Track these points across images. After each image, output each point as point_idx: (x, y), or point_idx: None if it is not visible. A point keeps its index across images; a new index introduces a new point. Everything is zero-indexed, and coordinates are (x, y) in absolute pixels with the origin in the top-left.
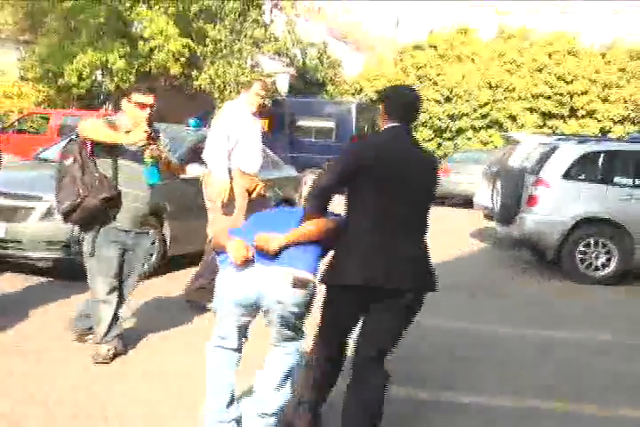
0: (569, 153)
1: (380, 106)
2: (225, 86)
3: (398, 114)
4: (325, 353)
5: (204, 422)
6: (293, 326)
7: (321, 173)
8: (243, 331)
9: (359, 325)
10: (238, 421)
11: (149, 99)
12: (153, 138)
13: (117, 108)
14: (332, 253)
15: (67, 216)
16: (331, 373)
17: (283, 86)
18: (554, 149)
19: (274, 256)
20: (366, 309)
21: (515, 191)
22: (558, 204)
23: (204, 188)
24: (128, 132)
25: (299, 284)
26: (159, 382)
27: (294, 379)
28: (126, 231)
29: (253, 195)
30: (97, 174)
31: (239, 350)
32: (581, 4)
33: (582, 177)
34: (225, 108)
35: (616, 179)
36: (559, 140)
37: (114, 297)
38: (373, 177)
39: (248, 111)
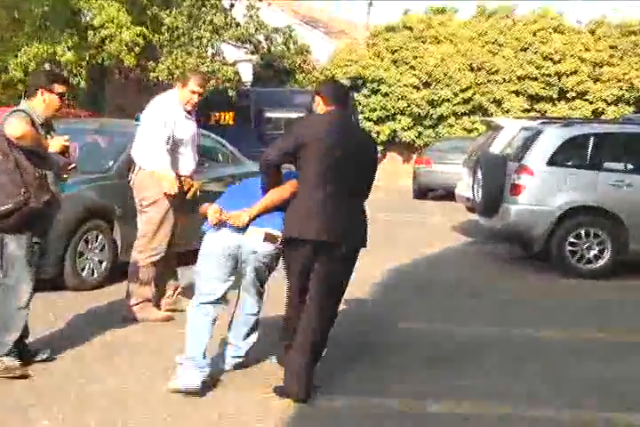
0: (553, 137)
1: (318, 95)
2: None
3: (334, 100)
4: (294, 294)
5: (178, 369)
6: (261, 280)
7: (267, 150)
8: (225, 288)
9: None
10: (210, 367)
11: (65, 88)
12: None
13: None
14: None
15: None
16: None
17: (247, 75)
18: (537, 134)
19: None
20: (315, 258)
21: (496, 180)
22: (544, 192)
23: (135, 188)
24: (42, 124)
25: (268, 238)
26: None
27: (256, 327)
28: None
29: (189, 195)
30: (37, 174)
31: (220, 303)
32: None
33: (569, 163)
34: (156, 103)
35: (606, 164)
36: (543, 123)
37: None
38: (311, 152)
39: (182, 110)
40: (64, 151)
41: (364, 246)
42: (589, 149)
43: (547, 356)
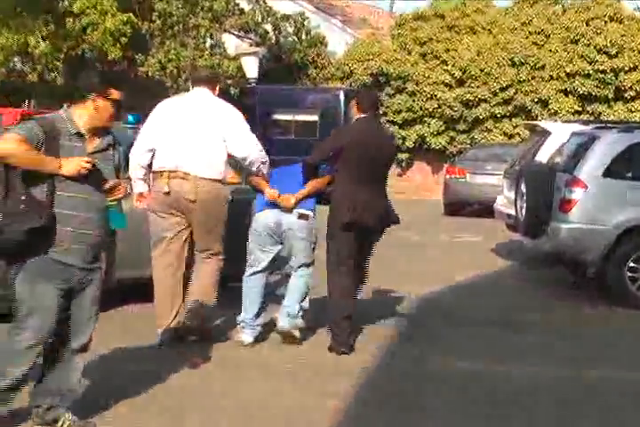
0: (611, 145)
1: (354, 102)
2: (179, 73)
3: (367, 108)
4: (339, 271)
5: (240, 329)
6: (306, 251)
7: (311, 155)
8: (268, 258)
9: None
10: (262, 326)
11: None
12: (94, 169)
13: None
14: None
15: None
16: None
17: (252, 71)
18: (592, 141)
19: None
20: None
21: (544, 195)
22: (599, 209)
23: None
24: (79, 135)
25: (302, 216)
26: None
27: (308, 292)
28: (69, 265)
29: None
30: (23, 197)
31: (266, 271)
32: None
33: (629, 175)
34: (222, 105)
35: None
36: (598, 128)
37: (38, 353)
38: (348, 153)
39: None
40: (84, 177)
41: (396, 223)
42: None
43: (603, 399)
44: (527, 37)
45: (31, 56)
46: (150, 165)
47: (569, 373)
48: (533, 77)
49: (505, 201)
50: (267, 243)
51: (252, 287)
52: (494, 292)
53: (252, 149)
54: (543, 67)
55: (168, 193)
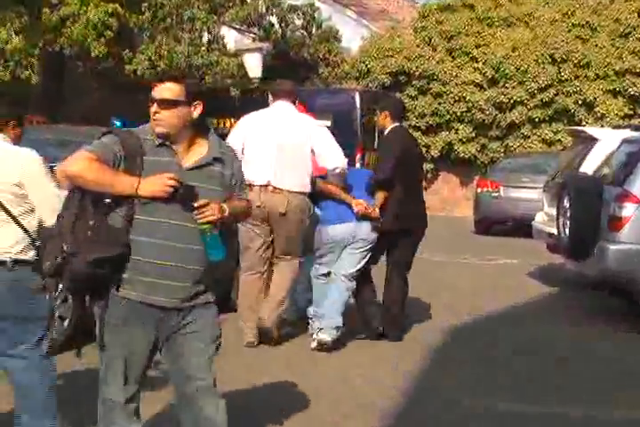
0: None
1: (384, 111)
2: (173, 71)
3: (399, 116)
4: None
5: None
6: (359, 263)
7: (380, 172)
8: (330, 267)
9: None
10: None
11: None
12: (182, 189)
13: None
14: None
15: (53, 278)
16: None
17: (254, 69)
18: None
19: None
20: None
21: (590, 211)
22: None
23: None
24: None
25: (375, 228)
26: None
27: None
28: (162, 308)
29: None
30: (92, 222)
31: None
32: None
33: None
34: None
35: None
36: None
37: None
38: (401, 165)
39: None
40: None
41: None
42: None
43: None
44: (570, 31)
45: (2, 52)
46: None
47: (611, 416)
48: (577, 76)
49: (545, 218)
50: (336, 252)
51: (321, 283)
52: (529, 321)
53: (342, 161)
54: (588, 64)
55: (258, 206)
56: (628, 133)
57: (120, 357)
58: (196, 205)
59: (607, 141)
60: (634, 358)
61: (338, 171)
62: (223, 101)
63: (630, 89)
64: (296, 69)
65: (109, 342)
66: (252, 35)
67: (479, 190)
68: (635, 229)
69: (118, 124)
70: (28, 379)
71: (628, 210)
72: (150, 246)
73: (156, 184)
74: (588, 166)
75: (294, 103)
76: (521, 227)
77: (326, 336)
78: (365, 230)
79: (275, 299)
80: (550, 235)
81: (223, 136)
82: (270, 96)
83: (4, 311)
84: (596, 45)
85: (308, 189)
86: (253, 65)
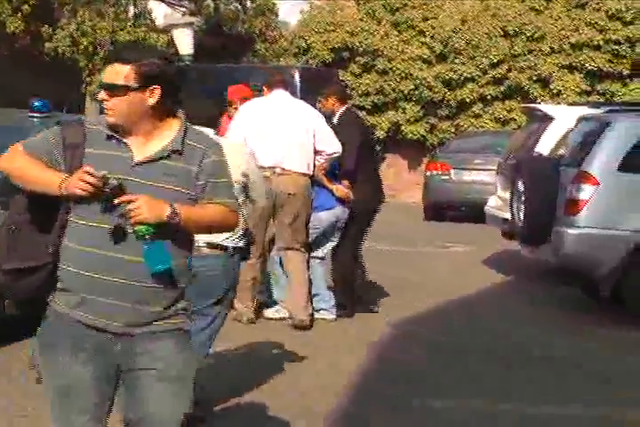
0: (626, 132)
1: (332, 95)
2: (96, 49)
3: (346, 98)
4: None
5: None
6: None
7: (346, 160)
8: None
9: None
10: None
11: None
12: (110, 186)
13: None
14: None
15: None
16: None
17: (185, 46)
18: (604, 127)
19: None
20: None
21: (546, 194)
22: (615, 210)
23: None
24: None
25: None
26: None
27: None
28: (102, 331)
29: None
30: (9, 226)
31: (324, 259)
32: None
33: None
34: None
35: None
36: (611, 112)
37: None
38: (362, 150)
39: None
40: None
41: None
42: None
43: None
44: (523, 1)
45: None
46: None
47: (573, 412)
48: (531, 51)
49: (499, 203)
50: (327, 231)
51: (315, 270)
52: (487, 315)
53: (339, 146)
54: (543, 38)
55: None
56: (585, 111)
57: (57, 387)
58: (116, 201)
59: (563, 120)
60: (590, 346)
61: (336, 155)
62: None
63: (588, 64)
64: (230, 46)
65: (44, 369)
66: (182, 9)
67: (428, 174)
68: (593, 212)
69: (37, 104)
70: None
71: (586, 192)
72: (79, 254)
73: (73, 181)
74: (544, 147)
75: (289, 91)
76: (474, 212)
77: (329, 314)
78: (345, 214)
79: (302, 297)
80: (505, 220)
81: None
82: (266, 87)
83: None
84: (551, 17)
85: (311, 171)
86: (183, 41)
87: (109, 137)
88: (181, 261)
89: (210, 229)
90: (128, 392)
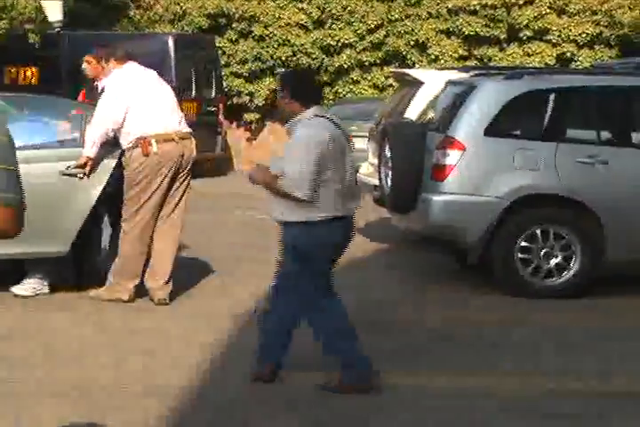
0: (494, 95)
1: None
2: None
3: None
4: None
5: None
6: None
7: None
8: None
9: None
10: None
11: None
12: None
13: None
14: None
15: None
16: None
17: (54, 13)
18: (470, 91)
19: None
20: None
21: (412, 160)
22: (481, 175)
23: None
24: None
25: None
26: None
27: None
28: None
29: None
30: None
31: None
32: None
33: (517, 132)
34: None
35: (571, 132)
36: (478, 75)
37: None
38: None
39: None
40: None
41: None
42: (547, 112)
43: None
44: None
45: None
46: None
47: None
48: (408, 16)
49: (370, 169)
50: None
51: None
52: (356, 282)
53: None
54: (419, 2)
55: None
56: (453, 75)
57: None
58: None
59: (432, 84)
60: (459, 313)
61: None
62: (20, 49)
63: (464, 29)
64: (103, 13)
65: None
66: None
67: None
68: (459, 178)
69: None
70: None
71: (452, 157)
72: None
73: None
74: (413, 111)
75: None
76: None
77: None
78: None
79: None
80: (375, 187)
81: (23, 88)
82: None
83: None
84: None
85: None
86: (52, 8)
87: None
88: None
89: None
90: None
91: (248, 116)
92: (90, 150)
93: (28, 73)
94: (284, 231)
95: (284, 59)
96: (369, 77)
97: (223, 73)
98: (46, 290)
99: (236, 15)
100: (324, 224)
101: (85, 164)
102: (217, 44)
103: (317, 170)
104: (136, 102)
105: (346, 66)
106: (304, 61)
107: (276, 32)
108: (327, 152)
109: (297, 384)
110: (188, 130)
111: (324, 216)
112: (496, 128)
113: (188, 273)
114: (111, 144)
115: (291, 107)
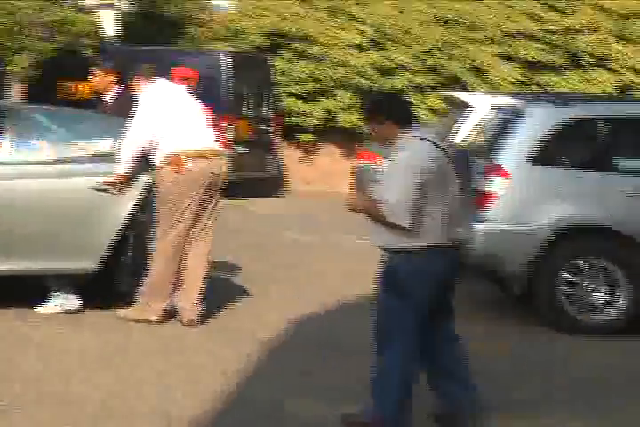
0: (540, 122)
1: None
2: (21, 30)
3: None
4: None
5: None
6: None
7: None
8: None
9: None
10: None
11: None
12: None
13: None
14: None
15: None
16: None
17: (109, 27)
18: (517, 116)
19: None
20: None
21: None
22: (525, 204)
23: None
24: None
25: None
26: None
27: None
28: None
29: None
30: None
31: None
32: None
33: (564, 160)
34: None
35: (619, 162)
36: (524, 100)
37: None
38: None
39: None
40: None
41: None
42: (594, 140)
43: None
44: None
45: None
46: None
47: None
48: (467, 39)
49: None
50: None
51: None
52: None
53: None
54: (478, 26)
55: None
56: (498, 100)
57: None
58: None
59: (481, 109)
60: (501, 346)
61: None
62: (76, 63)
63: (523, 54)
64: (160, 29)
65: None
66: None
67: (357, 163)
68: (503, 206)
69: None
70: None
71: (496, 185)
72: None
73: None
74: (460, 136)
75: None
76: None
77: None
78: None
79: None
80: None
81: (77, 101)
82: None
83: None
84: (487, 6)
85: None
86: (107, 22)
87: None
88: None
89: None
90: None
91: (302, 137)
92: (123, 167)
93: (80, 87)
94: (384, 259)
95: (340, 79)
96: (425, 100)
97: (278, 92)
98: (77, 304)
99: (293, 35)
100: (424, 253)
101: (117, 181)
102: (272, 64)
103: (418, 195)
104: (169, 119)
105: (402, 88)
106: (360, 82)
107: (332, 53)
108: (427, 176)
109: None
110: (222, 148)
111: (424, 245)
112: (542, 156)
113: (221, 294)
114: (144, 161)
115: (388, 130)
